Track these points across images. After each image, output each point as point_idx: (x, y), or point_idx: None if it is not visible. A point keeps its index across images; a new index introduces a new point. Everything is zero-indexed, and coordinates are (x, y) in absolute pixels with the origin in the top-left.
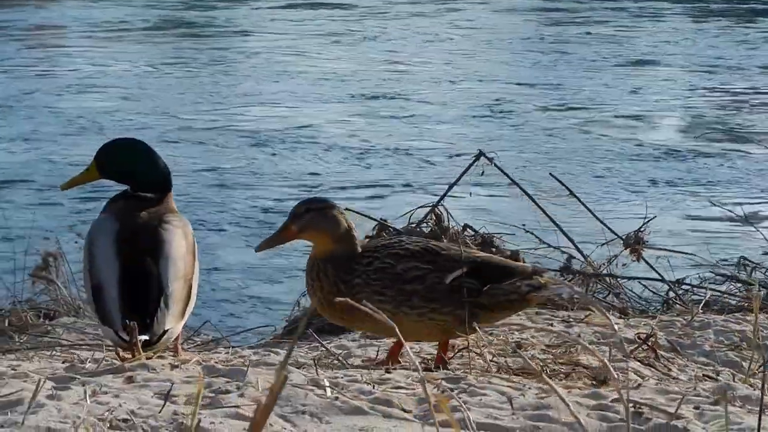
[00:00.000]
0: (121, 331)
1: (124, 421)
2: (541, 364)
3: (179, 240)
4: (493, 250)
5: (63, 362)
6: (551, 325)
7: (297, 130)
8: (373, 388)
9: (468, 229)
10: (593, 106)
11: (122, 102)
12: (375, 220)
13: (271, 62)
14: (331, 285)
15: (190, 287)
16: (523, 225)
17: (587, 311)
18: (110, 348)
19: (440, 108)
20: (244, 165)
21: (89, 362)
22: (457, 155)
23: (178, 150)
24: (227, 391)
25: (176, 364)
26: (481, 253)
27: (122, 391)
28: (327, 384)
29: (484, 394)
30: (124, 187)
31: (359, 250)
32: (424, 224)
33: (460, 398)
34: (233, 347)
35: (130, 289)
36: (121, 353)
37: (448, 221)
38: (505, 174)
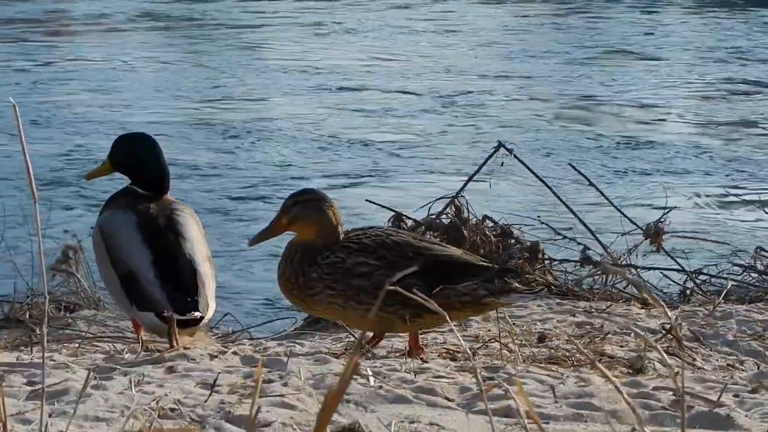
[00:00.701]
0: (168, 310)
1: (172, 410)
2: (567, 354)
3: (193, 225)
4: (512, 241)
5: (94, 353)
6: (573, 315)
7: (288, 122)
8: (415, 377)
9: (487, 220)
10: (603, 97)
11: (93, 95)
12: (392, 210)
13: (252, 56)
14: (291, 274)
15: (215, 268)
16: (538, 216)
17: (609, 302)
18: (133, 340)
19: (456, 98)
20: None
21: (126, 353)
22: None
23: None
24: (270, 381)
25: (215, 354)
26: (447, 249)
27: (165, 380)
28: (370, 373)
29: (524, 383)
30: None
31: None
32: (444, 216)
33: (502, 387)
34: (257, 339)
35: (167, 271)
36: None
37: (468, 212)
38: (525, 165)
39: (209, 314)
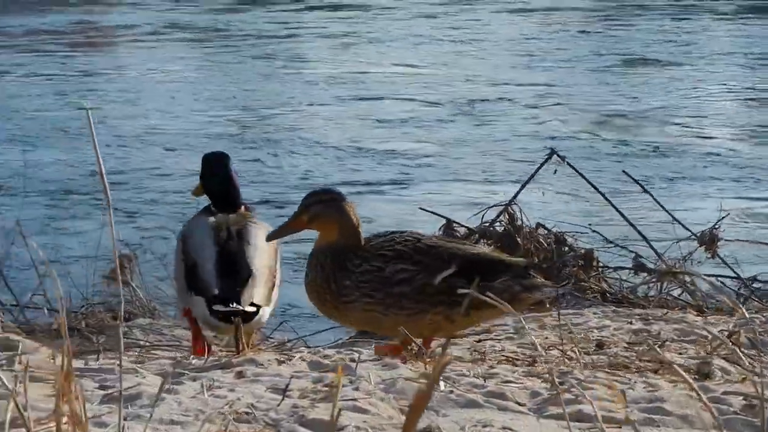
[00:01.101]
0: (216, 290)
1: (246, 413)
2: (627, 361)
3: (261, 235)
4: (566, 248)
5: (157, 360)
6: (630, 323)
7: (323, 131)
8: (484, 381)
9: (541, 228)
10: (640, 104)
11: (120, 106)
12: (444, 217)
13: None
14: (324, 281)
15: (275, 278)
16: (589, 224)
17: (664, 309)
18: (189, 349)
19: (504, 106)
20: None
21: (193, 359)
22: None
23: (181, 154)
24: (342, 385)
25: (282, 359)
26: (475, 248)
27: (236, 385)
28: (440, 378)
29: (594, 389)
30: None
31: (362, 245)
32: (497, 223)
33: (572, 392)
34: (314, 347)
35: (225, 267)
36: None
37: (521, 220)
38: (579, 173)
39: (258, 315)
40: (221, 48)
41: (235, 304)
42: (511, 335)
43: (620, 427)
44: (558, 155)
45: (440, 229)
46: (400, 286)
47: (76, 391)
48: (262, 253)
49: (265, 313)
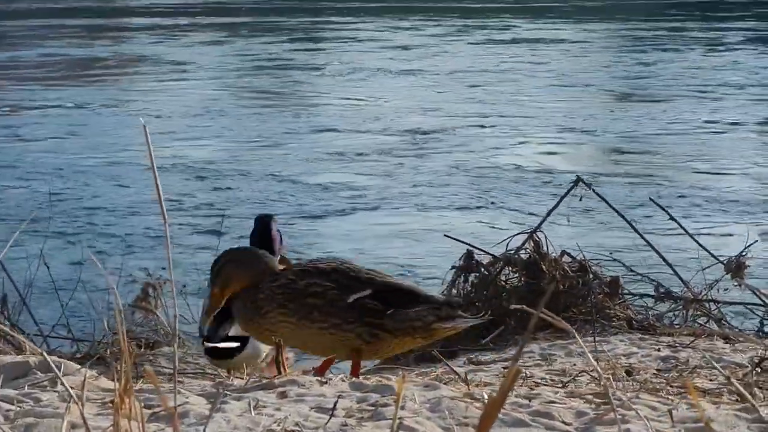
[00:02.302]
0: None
1: (293, 431)
2: (658, 387)
3: None
4: (590, 276)
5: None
6: (658, 350)
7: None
8: (529, 402)
9: (566, 255)
10: (662, 129)
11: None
12: (470, 245)
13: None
14: (241, 307)
15: None
16: (611, 253)
17: (691, 336)
18: (214, 375)
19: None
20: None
21: (233, 379)
22: (548, 179)
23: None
24: (385, 404)
25: (324, 380)
26: (394, 279)
27: (281, 405)
28: (486, 396)
29: (638, 409)
30: None
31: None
32: (523, 251)
33: (617, 411)
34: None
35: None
36: None
37: (547, 247)
38: (604, 200)
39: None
40: (275, 78)
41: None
42: (538, 362)
43: None
44: (584, 182)
45: (461, 258)
46: (313, 298)
47: (134, 406)
48: None
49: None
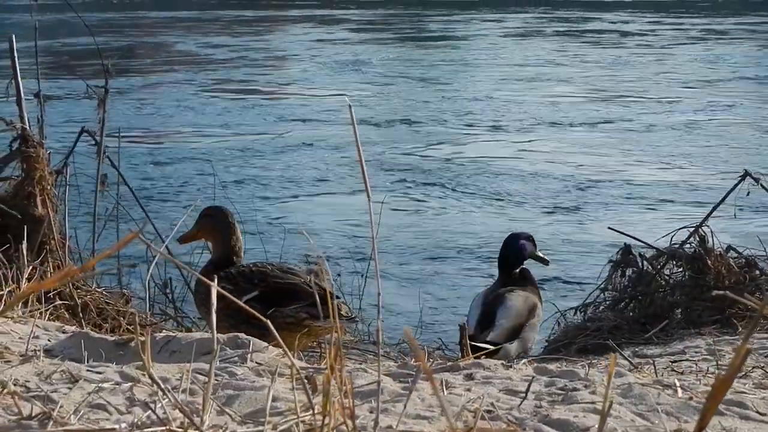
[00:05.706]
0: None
1: (488, 412)
2: None
3: None
4: (757, 272)
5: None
6: None
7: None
8: None
9: (732, 251)
10: None
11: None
12: (635, 238)
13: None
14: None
15: None
16: None
17: None
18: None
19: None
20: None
21: (415, 361)
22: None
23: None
24: (575, 389)
25: (508, 364)
26: (295, 278)
27: (469, 386)
28: (678, 384)
29: None
30: None
31: (238, 262)
32: (688, 245)
33: None
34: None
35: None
36: None
37: (712, 242)
38: None
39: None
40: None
41: None
42: (706, 356)
43: None
44: (752, 176)
45: (618, 253)
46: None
47: (343, 377)
48: None
49: None
